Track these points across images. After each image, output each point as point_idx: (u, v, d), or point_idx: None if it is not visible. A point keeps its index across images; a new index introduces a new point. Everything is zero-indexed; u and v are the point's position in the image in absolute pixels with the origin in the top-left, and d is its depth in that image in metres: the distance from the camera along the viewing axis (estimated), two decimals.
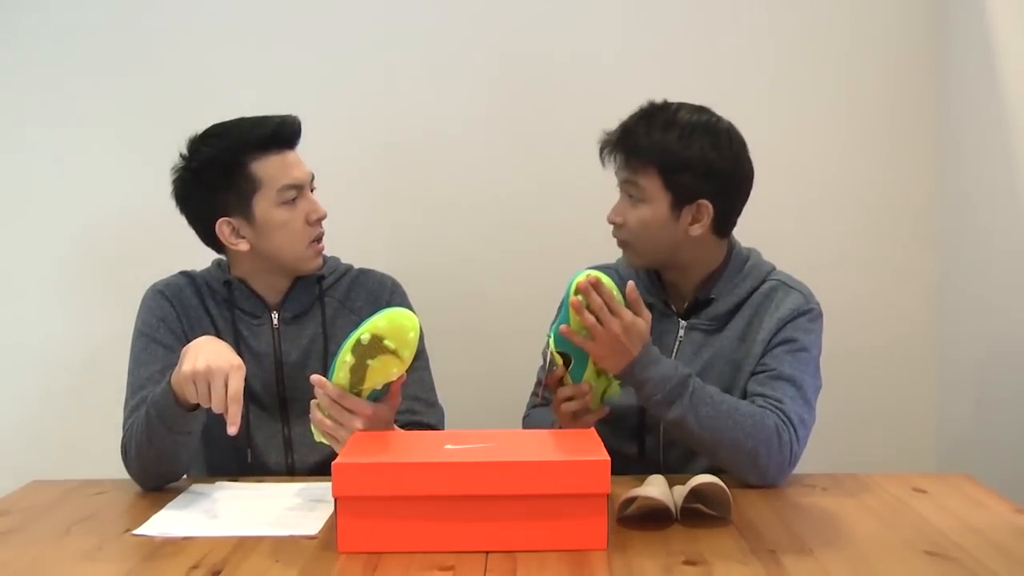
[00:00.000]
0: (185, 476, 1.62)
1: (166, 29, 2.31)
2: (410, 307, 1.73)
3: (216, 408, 1.40)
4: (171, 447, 1.53)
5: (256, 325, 1.72)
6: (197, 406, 1.47)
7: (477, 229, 2.34)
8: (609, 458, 1.26)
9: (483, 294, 2.33)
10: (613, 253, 1.75)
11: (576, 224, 2.28)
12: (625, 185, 1.66)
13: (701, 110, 1.65)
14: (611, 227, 1.70)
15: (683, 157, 1.60)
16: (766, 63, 2.30)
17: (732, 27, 2.30)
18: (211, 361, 1.41)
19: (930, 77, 2.29)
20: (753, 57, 2.30)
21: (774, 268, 1.72)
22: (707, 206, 1.63)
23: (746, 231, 1.71)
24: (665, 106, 1.66)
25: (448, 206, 2.33)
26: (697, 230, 1.64)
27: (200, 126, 1.69)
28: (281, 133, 1.67)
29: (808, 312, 1.65)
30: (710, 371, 1.65)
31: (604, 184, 1.70)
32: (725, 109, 1.67)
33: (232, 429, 1.38)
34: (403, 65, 2.31)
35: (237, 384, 1.39)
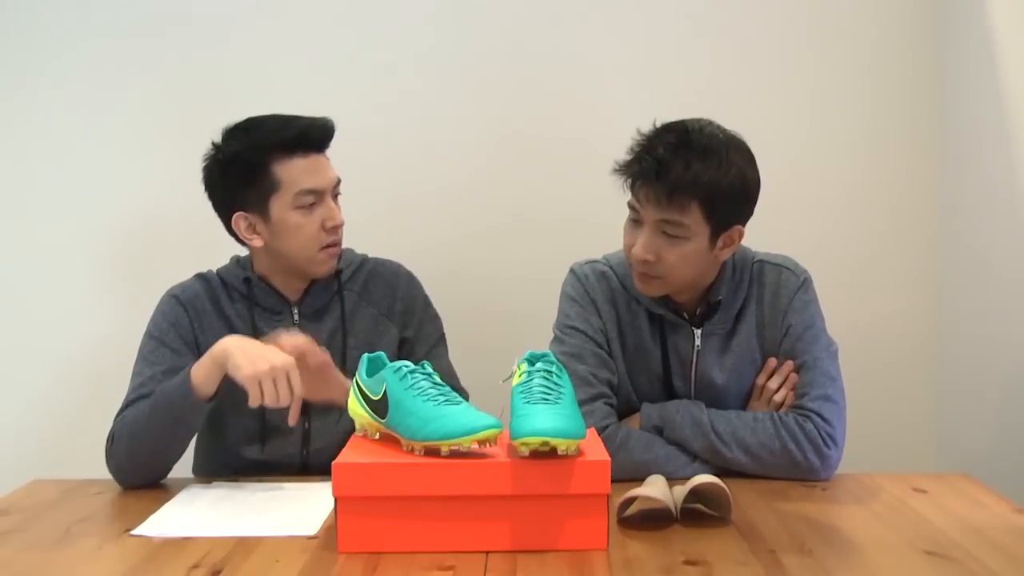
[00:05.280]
0: (192, 475, 1.63)
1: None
2: (425, 297, 1.81)
3: (284, 403, 1.48)
4: (167, 441, 1.55)
5: (276, 322, 1.72)
6: (213, 398, 1.52)
7: (480, 231, 2.33)
8: (609, 458, 1.26)
9: (487, 296, 2.32)
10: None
11: (582, 226, 2.27)
12: (663, 224, 1.54)
13: (712, 125, 1.59)
14: (615, 229, 1.66)
15: (724, 185, 1.52)
16: (767, 66, 2.30)
17: (733, 30, 2.29)
18: (274, 361, 1.47)
19: (932, 79, 2.29)
20: (755, 60, 2.29)
21: (752, 252, 1.72)
22: (740, 230, 1.60)
23: (748, 232, 1.71)
24: (690, 130, 1.55)
25: (452, 208, 2.32)
26: (726, 254, 1.61)
27: (219, 127, 1.68)
28: (308, 136, 1.65)
29: (800, 287, 1.67)
30: (735, 374, 1.67)
31: (613, 186, 1.67)
32: (726, 112, 1.66)
33: (293, 420, 1.52)
34: (407, 66, 2.30)
35: (297, 380, 1.49)
